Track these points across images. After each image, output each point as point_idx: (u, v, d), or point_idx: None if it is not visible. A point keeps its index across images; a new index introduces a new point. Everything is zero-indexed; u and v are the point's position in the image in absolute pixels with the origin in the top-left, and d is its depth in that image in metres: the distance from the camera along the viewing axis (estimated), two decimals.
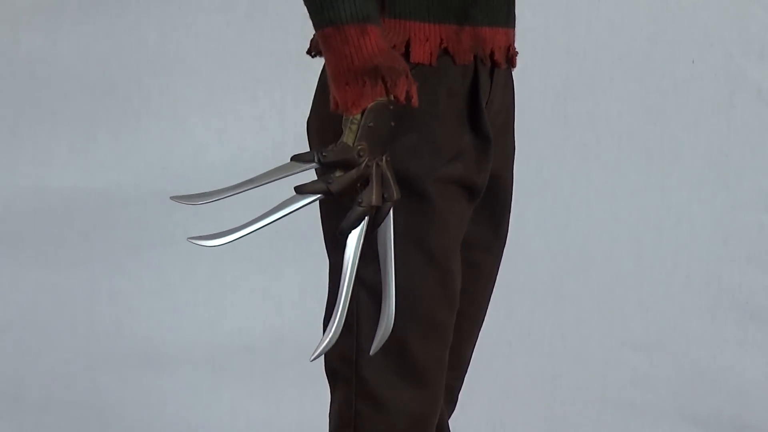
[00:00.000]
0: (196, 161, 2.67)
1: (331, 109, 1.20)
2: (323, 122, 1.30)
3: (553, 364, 2.70)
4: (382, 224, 1.23)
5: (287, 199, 1.21)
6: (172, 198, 1.25)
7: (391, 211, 1.23)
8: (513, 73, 1.42)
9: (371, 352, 1.27)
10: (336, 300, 1.25)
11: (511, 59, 1.38)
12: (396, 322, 1.27)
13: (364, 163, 1.19)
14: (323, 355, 1.33)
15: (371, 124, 1.18)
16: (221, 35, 2.65)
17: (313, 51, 1.38)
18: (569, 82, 2.65)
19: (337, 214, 1.24)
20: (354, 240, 1.22)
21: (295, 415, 2.67)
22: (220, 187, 1.25)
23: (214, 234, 1.23)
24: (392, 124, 1.19)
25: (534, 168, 2.62)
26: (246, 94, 2.66)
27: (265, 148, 2.65)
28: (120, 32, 2.63)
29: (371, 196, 1.20)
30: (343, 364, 1.32)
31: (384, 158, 1.20)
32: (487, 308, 1.47)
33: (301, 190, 1.20)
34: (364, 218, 1.21)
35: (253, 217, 1.23)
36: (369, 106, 1.17)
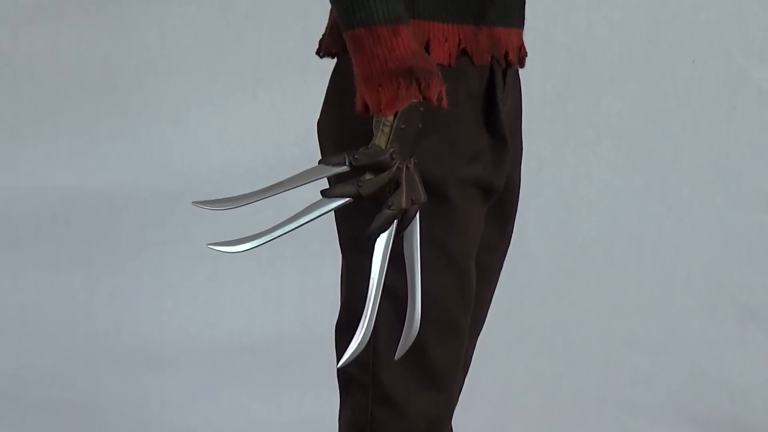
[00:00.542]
0: (196, 161, 2.67)
1: (358, 110, 1.18)
2: (338, 124, 1.29)
3: (553, 364, 2.70)
4: (408, 227, 1.22)
5: (313, 204, 1.19)
6: (194, 203, 1.24)
7: (418, 214, 1.21)
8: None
9: (396, 357, 1.25)
10: (352, 304, 1.24)
11: (521, 60, 1.38)
12: None
13: (396, 165, 1.17)
14: (335, 360, 1.32)
15: (403, 126, 1.16)
16: (221, 35, 2.65)
17: (322, 52, 1.36)
18: (569, 82, 2.65)
19: (357, 217, 1.22)
20: (382, 244, 1.20)
21: (295, 415, 2.67)
22: (243, 192, 1.22)
23: (235, 240, 1.22)
24: (419, 125, 1.18)
25: (534, 168, 2.62)
26: (246, 94, 2.66)
27: (265, 148, 2.65)
28: (120, 32, 2.63)
29: (401, 199, 1.18)
30: (358, 369, 1.30)
31: (412, 161, 1.18)
32: (488, 309, 1.47)
33: (329, 194, 1.18)
34: (393, 222, 1.19)
35: (277, 223, 1.20)
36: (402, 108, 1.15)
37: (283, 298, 2.70)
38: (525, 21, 1.39)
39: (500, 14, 1.31)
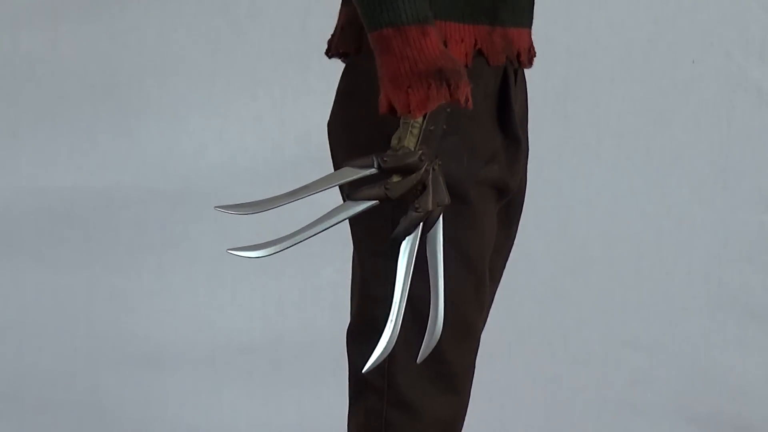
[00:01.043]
0: (196, 161, 2.67)
1: (382, 111, 1.16)
2: (352, 125, 1.28)
3: (553, 364, 2.70)
4: (431, 230, 1.20)
5: (338, 207, 1.17)
6: (217, 208, 1.20)
7: (441, 217, 1.20)
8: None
9: (418, 361, 1.23)
10: (369, 308, 1.23)
11: (530, 60, 1.38)
12: None
13: (424, 167, 1.16)
14: (349, 365, 1.30)
15: (432, 128, 1.15)
16: (221, 35, 2.65)
17: (332, 52, 1.35)
18: (569, 82, 2.65)
19: (375, 220, 1.20)
20: (408, 246, 1.18)
21: (295, 415, 2.67)
22: (269, 196, 1.19)
23: (256, 245, 1.19)
24: (444, 127, 1.17)
25: (534, 168, 2.61)
26: (246, 94, 2.66)
27: (265, 148, 2.65)
28: (120, 32, 2.63)
29: (428, 201, 1.17)
30: (374, 372, 1.26)
31: (437, 162, 1.17)
32: (490, 309, 1.47)
33: (356, 197, 1.16)
34: (419, 224, 1.17)
35: (301, 227, 1.18)
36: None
37: (283, 298, 2.70)
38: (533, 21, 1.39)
39: (512, 14, 1.30)
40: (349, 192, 1.17)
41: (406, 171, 1.15)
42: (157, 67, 2.65)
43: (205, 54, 2.65)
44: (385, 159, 1.15)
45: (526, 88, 1.41)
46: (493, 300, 1.47)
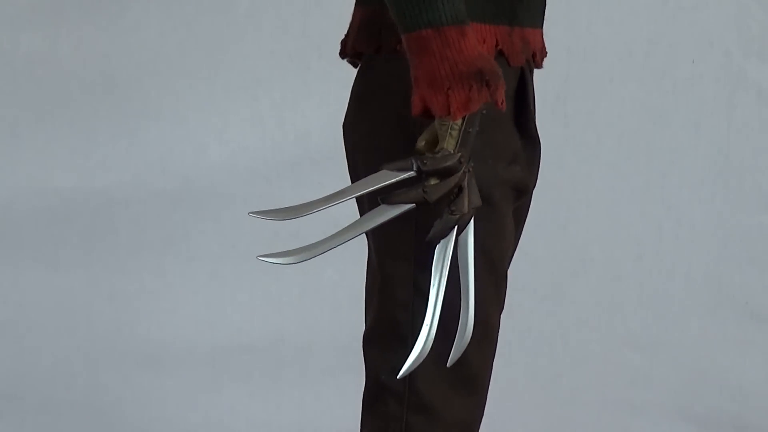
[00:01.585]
0: (196, 161, 2.67)
1: (415, 113, 1.14)
2: (373, 126, 1.26)
3: (553, 364, 2.70)
4: (463, 232, 1.19)
5: (373, 211, 1.15)
6: (251, 214, 1.17)
7: (473, 219, 1.18)
8: None
9: (448, 364, 1.21)
10: (390, 312, 1.21)
11: (542, 60, 1.37)
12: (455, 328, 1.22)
13: (462, 170, 1.14)
14: (367, 370, 1.29)
15: (470, 130, 1.14)
16: (221, 35, 2.65)
17: (348, 53, 1.33)
18: (569, 82, 2.65)
19: (400, 223, 1.17)
20: (443, 250, 1.16)
21: (295, 415, 2.67)
22: (304, 201, 1.16)
23: (287, 252, 1.16)
24: (477, 129, 1.15)
25: None
26: (246, 94, 2.66)
27: (265, 148, 2.65)
28: (120, 32, 2.63)
29: (464, 204, 1.15)
30: (394, 377, 1.24)
31: (471, 164, 1.16)
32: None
33: (393, 200, 1.14)
34: (454, 227, 1.16)
35: (333, 232, 1.16)
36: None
37: (283, 298, 2.70)
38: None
39: (529, 14, 1.30)
40: (384, 195, 1.14)
41: (444, 174, 1.13)
42: (157, 67, 2.65)
43: (205, 54, 2.65)
44: (425, 162, 1.13)
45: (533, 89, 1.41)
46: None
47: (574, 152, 2.68)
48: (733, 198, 2.67)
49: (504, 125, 1.27)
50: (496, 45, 1.24)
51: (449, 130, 1.13)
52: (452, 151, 1.13)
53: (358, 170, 1.30)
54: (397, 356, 1.23)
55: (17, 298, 2.70)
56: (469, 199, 1.16)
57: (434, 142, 1.16)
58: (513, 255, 1.44)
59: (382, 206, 1.14)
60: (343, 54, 1.35)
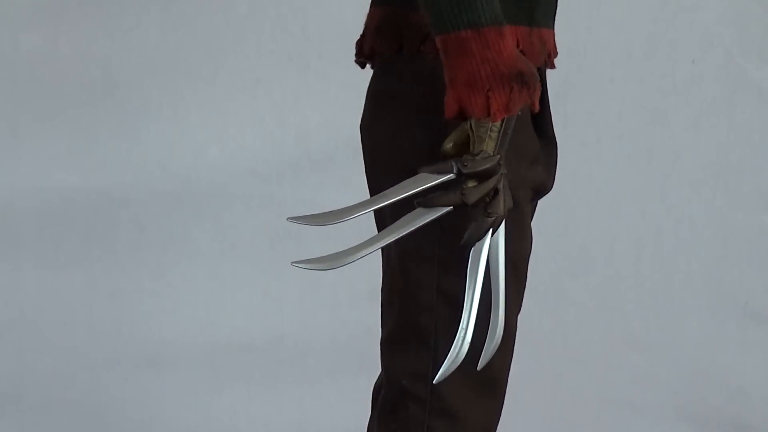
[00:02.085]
0: (196, 161, 2.67)
1: (449, 115, 1.12)
2: (397, 127, 1.24)
3: (553, 364, 2.70)
4: (494, 234, 1.18)
5: (410, 214, 1.13)
6: (289, 219, 1.16)
7: (504, 221, 1.17)
8: None
9: (479, 367, 1.20)
10: (412, 316, 1.21)
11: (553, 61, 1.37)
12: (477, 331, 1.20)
13: (500, 172, 1.13)
14: (388, 375, 1.27)
15: (509, 132, 1.13)
16: (221, 35, 2.64)
17: (365, 54, 1.32)
18: (569, 82, 2.65)
19: (428, 226, 1.16)
20: (478, 252, 1.15)
21: (295, 415, 2.67)
22: (344, 206, 1.14)
23: (322, 258, 1.15)
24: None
25: None
26: (246, 94, 2.66)
27: (265, 148, 2.65)
28: (120, 32, 2.63)
29: (500, 206, 1.14)
30: (416, 382, 1.25)
31: (505, 166, 1.15)
32: None
33: (431, 203, 1.12)
34: (489, 230, 1.15)
35: (368, 238, 1.14)
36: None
37: (283, 298, 2.70)
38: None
39: (544, 15, 1.29)
40: (420, 199, 1.13)
41: (483, 176, 1.12)
42: (157, 67, 2.65)
43: (205, 54, 2.65)
44: (465, 164, 1.12)
45: None
46: None
47: (574, 152, 2.68)
48: (733, 198, 2.67)
49: (525, 126, 1.27)
50: (518, 45, 1.23)
51: (488, 132, 1.12)
52: (491, 154, 1.12)
53: (378, 171, 1.29)
54: (419, 361, 1.23)
55: (17, 298, 2.70)
56: (505, 201, 1.15)
57: (463, 144, 1.14)
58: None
59: (419, 210, 1.13)
60: (360, 55, 1.33)
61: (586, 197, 2.69)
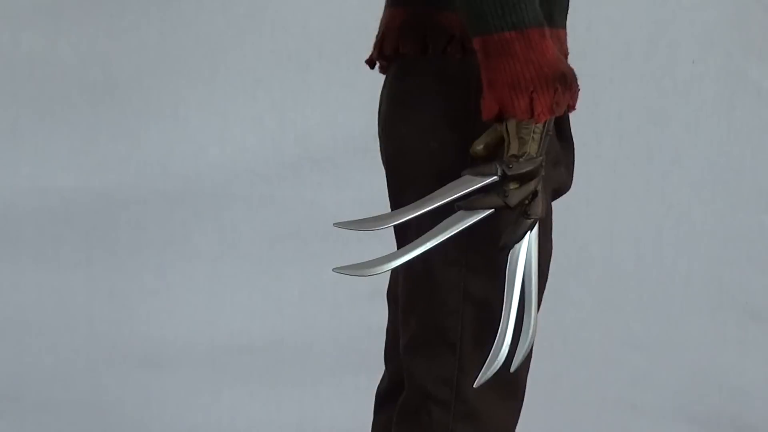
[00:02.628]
0: (196, 161, 2.67)
1: (486, 117, 1.11)
2: (425, 128, 1.22)
3: (553, 364, 2.70)
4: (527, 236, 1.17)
5: (451, 217, 1.13)
6: (336, 224, 1.16)
7: (537, 224, 1.17)
8: None
9: (512, 369, 1.20)
10: (439, 318, 1.20)
11: None
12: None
13: (541, 174, 1.13)
14: (412, 379, 1.26)
15: (551, 133, 1.12)
16: (221, 35, 2.64)
17: (385, 54, 1.29)
18: None
19: (464, 228, 1.15)
20: (516, 254, 1.15)
21: (295, 415, 2.67)
22: (387, 211, 1.13)
23: (363, 264, 1.14)
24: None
25: None
26: (246, 94, 2.66)
27: (265, 148, 2.65)
28: (120, 32, 2.63)
29: (539, 208, 1.14)
30: (441, 386, 1.24)
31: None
32: None
33: (473, 206, 1.12)
34: (528, 231, 1.15)
35: (410, 243, 1.13)
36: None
37: (283, 298, 2.70)
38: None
39: (561, 16, 1.28)
40: (462, 202, 1.12)
41: (527, 178, 1.12)
42: (157, 67, 2.65)
43: (205, 54, 2.65)
44: (510, 166, 1.11)
45: None
46: None
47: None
48: (733, 198, 2.67)
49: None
50: None
51: (531, 134, 1.11)
52: (535, 155, 1.11)
53: (402, 173, 1.27)
54: (444, 364, 1.22)
55: (17, 298, 2.70)
56: (544, 202, 1.15)
57: (495, 146, 1.14)
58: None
59: (459, 213, 1.12)
60: (379, 56, 1.32)
61: (585, 197, 2.68)
